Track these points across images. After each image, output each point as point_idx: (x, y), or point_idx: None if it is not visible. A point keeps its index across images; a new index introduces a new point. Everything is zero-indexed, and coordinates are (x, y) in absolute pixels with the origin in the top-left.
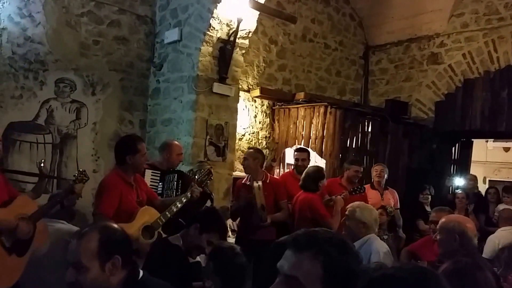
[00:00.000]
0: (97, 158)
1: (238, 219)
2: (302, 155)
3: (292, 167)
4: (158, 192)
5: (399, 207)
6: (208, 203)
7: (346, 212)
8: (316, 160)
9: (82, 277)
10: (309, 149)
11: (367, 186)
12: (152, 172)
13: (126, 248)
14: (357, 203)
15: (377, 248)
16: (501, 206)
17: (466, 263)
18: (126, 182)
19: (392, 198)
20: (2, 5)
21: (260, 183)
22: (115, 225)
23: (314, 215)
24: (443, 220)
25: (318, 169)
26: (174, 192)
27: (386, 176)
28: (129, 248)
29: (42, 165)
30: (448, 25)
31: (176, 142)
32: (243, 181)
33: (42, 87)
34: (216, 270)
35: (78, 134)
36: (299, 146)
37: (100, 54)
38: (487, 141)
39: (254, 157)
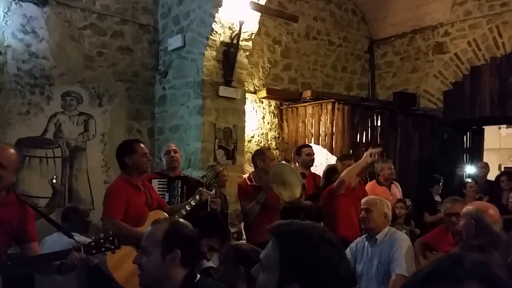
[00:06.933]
0: (107, 169)
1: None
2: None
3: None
4: (166, 200)
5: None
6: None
7: (366, 206)
8: (327, 158)
9: (144, 260)
10: (320, 146)
11: (373, 182)
12: (158, 181)
13: (189, 247)
14: (373, 196)
15: (403, 236)
16: None
17: (472, 245)
18: (133, 185)
19: (398, 192)
20: (5, 23)
21: None
22: (188, 224)
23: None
24: (466, 206)
25: (330, 167)
26: (180, 199)
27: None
28: (192, 248)
29: (54, 181)
30: (451, 14)
31: (168, 143)
32: (249, 183)
33: (48, 101)
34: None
35: (87, 146)
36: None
37: (105, 65)
38: (500, 128)
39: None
